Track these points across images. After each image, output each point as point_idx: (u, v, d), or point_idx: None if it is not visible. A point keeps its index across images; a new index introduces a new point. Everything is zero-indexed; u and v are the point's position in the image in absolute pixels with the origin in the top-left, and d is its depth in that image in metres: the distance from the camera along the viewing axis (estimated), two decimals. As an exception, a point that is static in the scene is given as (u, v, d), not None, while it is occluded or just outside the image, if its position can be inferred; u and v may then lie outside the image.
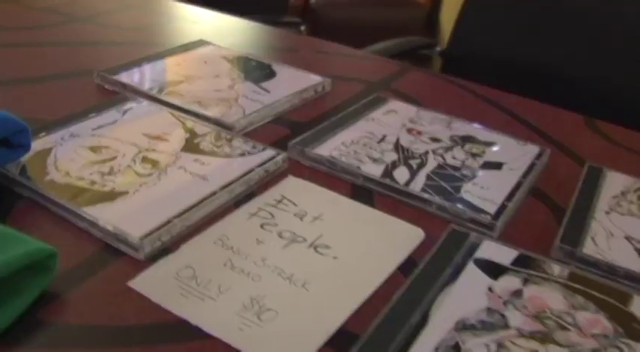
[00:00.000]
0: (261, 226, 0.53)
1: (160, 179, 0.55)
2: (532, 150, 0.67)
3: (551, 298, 0.47)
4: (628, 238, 0.55)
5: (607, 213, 0.59)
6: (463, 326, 0.43)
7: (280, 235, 0.52)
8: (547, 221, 0.58)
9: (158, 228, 0.49)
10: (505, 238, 0.54)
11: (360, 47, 1.05)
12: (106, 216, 0.50)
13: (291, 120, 0.71)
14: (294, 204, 0.56)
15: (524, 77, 1.23)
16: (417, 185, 0.58)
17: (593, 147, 0.73)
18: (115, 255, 0.48)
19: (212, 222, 0.52)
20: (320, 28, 2.37)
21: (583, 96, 1.12)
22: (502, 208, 0.57)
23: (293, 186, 0.58)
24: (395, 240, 0.52)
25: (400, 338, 0.42)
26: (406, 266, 0.50)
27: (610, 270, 0.52)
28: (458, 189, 0.59)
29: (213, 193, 0.54)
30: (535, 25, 1.22)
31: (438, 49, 1.36)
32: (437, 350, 0.41)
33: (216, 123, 0.66)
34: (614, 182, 0.64)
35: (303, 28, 1.60)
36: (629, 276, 0.51)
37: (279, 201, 0.56)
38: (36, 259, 0.43)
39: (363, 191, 0.59)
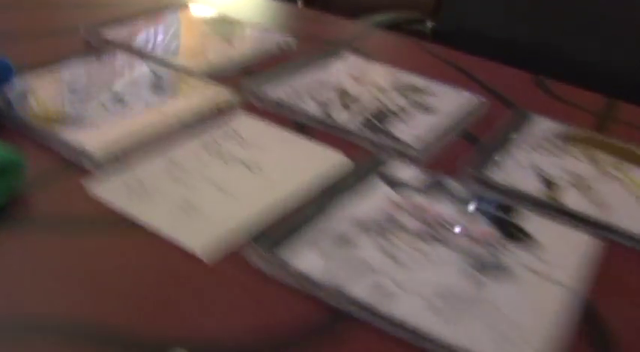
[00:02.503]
0: (206, 150, 0.60)
1: (124, 112, 0.64)
2: (471, 99, 0.74)
3: (447, 209, 0.54)
4: (535, 168, 0.62)
5: (524, 149, 0.65)
6: (357, 223, 0.51)
7: (221, 158, 0.59)
8: (469, 157, 0.64)
9: (113, 144, 0.57)
10: (426, 168, 0.61)
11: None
12: (69, 135, 0.58)
13: (252, 70, 0.78)
14: (240, 135, 0.63)
15: (517, 53, 1.28)
16: (354, 124, 0.65)
17: (535, 101, 0.79)
18: (74, 167, 0.56)
19: (163, 146, 0.60)
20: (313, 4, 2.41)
21: (575, 70, 1.17)
22: (429, 145, 0.63)
23: (242, 121, 0.66)
24: (322, 166, 0.60)
25: (295, 221, 0.49)
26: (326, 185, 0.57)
27: (509, 192, 0.58)
28: (391, 127, 0.66)
29: (167, 121, 0.62)
30: (529, 1, 1.27)
31: (429, 24, 1.41)
32: (325, 235, 0.48)
33: (184, 70, 0.74)
34: (540, 125, 0.71)
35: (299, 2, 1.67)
36: (527, 198, 0.58)
37: (227, 132, 0.64)
38: (6, 162, 0.51)
39: (305, 128, 0.66)
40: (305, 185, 0.56)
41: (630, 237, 0.54)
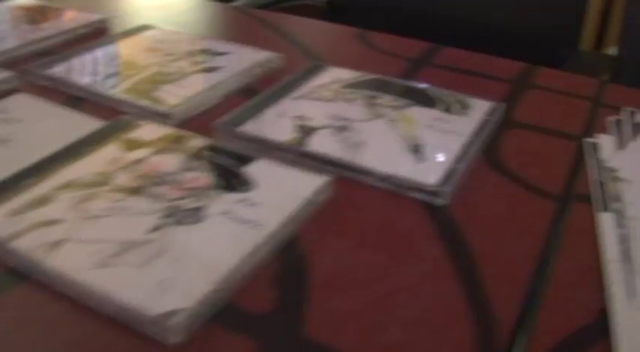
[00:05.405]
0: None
1: None
2: (265, 56, 0.72)
3: (168, 163, 0.52)
4: (298, 117, 0.59)
5: (295, 99, 0.63)
6: (63, 185, 0.49)
7: (-31, 137, 0.58)
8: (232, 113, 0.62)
9: None
10: (180, 126, 0.59)
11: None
12: None
13: (52, 53, 0.77)
14: (8, 113, 0.61)
15: (414, 24, 1.26)
16: (118, 91, 0.64)
17: (351, 54, 0.77)
18: None
19: None
20: None
21: (475, 39, 1.14)
22: (190, 104, 0.61)
23: (16, 100, 0.64)
24: (73, 130, 0.58)
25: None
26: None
27: (259, 142, 0.56)
28: (158, 90, 0.64)
29: None
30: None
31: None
32: (24, 199, 0.47)
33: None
34: (329, 75, 0.68)
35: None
36: (273, 146, 0.56)
37: (-8, 112, 0.62)
38: None
39: (82, 101, 0.65)
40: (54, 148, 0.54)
41: (367, 172, 0.52)
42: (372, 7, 1.34)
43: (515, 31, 1.15)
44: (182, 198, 0.47)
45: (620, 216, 0.48)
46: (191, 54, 0.72)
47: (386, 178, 0.51)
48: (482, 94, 0.65)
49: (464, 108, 0.61)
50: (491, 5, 1.16)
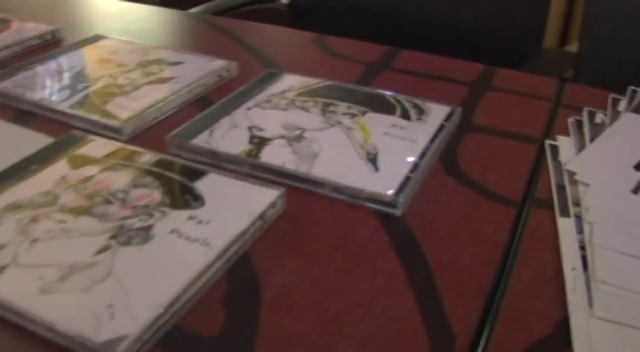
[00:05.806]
0: None
1: None
2: (220, 64, 0.70)
3: (117, 180, 0.50)
4: (252, 128, 0.58)
5: (249, 109, 0.62)
6: (10, 206, 0.47)
7: None
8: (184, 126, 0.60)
9: None
10: (136, 143, 0.57)
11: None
12: None
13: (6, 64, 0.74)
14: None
15: (378, 25, 1.24)
16: (68, 105, 0.62)
17: (308, 60, 0.75)
18: None
19: None
20: None
21: (441, 39, 1.13)
22: (141, 116, 0.60)
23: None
24: (22, 147, 0.55)
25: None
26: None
27: (211, 155, 0.55)
28: (108, 103, 0.62)
29: None
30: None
31: (284, 1, 1.38)
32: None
33: None
34: (284, 82, 0.67)
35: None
36: (226, 159, 0.54)
37: None
38: None
39: (32, 116, 0.62)
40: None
41: (321, 184, 0.51)
42: (334, 9, 1.33)
43: (480, 31, 1.14)
44: (131, 217, 0.46)
45: (581, 222, 0.48)
46: (144, 64, 0.71)
47: (340, 189, 0.50)
48: (442, 98, 0.64)
49: (421, 113, 0.61)
50: (457, 5, 1.16)
